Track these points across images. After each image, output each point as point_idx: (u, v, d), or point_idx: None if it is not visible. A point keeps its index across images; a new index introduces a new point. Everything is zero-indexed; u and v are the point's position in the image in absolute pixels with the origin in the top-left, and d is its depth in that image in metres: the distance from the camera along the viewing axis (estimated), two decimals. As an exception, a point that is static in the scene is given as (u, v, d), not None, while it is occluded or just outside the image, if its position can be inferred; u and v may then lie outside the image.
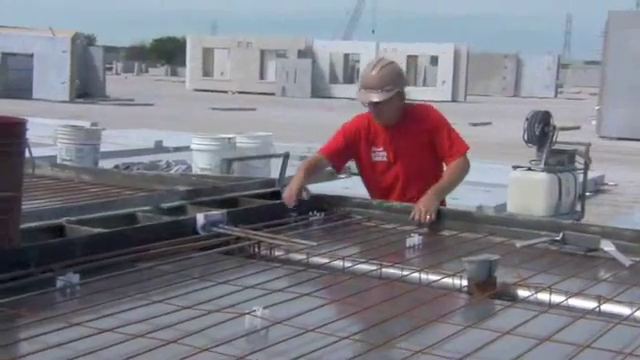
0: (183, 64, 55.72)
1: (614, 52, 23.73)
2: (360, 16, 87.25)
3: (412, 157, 4.31)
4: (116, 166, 10.46)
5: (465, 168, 4.29)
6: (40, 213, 3.32)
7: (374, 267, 3.03)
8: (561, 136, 8.92)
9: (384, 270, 3.00)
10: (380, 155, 4.36)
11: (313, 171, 4.27)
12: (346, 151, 4.41)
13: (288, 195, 3.99)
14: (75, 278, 2.61)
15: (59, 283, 2.59)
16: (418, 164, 4.34)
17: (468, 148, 4.35)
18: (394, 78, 4.24)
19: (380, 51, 44.67)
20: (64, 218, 3.27)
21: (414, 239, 3.52)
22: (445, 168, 4.34)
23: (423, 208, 3.93)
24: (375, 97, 4.20)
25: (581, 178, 9.22)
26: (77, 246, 2.90)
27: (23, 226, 2.88)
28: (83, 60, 34.77)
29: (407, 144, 4.30)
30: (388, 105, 4.23)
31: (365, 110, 4.42)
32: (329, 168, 4.61)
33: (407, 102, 4.36)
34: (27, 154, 2.84)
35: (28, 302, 2.41)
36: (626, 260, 3.24)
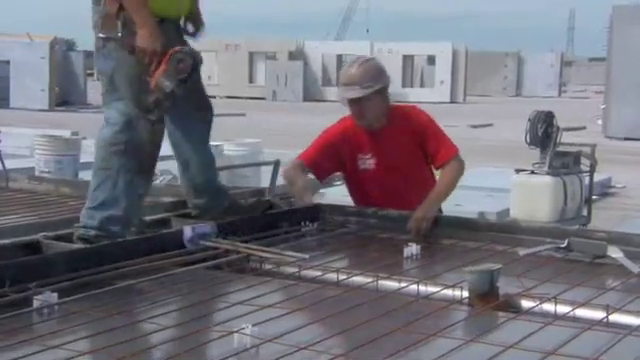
0: (169, 68, 55.42)
1: (619, 48, 23.43)
2: (353, 15, 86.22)
3: (402, 163, 4.10)
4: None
5: (460, 170, 4.11)
6: (14, 229, 3.27)
7: (370, 279, 2.97)
8: (565, 137, 8.85)
9: (381, 282, 2.94)
10: (367, 162, 4.12)
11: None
12: (328, 158, 4.16)
13: (299, 192, 4.03)
14: (53, 297, 2.55)
15: (36, 303, 2.53)
16: (408, 170, 4.13)
17: (457, 149, 4.15)
18: (375, 74, 4.01)
19: (375, 51, 43.85)
20: (40, 234, 3.22)
21: (412, 249, 3.45)
22: (439, 173, 4.15)
23: (421, 214, 3.80)
24: (355, 93, 3.97)
25: (587, 181, 9.15)
26: (55, 263, 2.83)
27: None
28: (63, 66, 33.89)
29: (395, 149, 4.08)
30: (370, 104, 3.99)
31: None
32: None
33: (392, 104, 4.15)
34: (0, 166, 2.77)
35: (3, 324, 2.35)
36: (635, 267, 3.19)
